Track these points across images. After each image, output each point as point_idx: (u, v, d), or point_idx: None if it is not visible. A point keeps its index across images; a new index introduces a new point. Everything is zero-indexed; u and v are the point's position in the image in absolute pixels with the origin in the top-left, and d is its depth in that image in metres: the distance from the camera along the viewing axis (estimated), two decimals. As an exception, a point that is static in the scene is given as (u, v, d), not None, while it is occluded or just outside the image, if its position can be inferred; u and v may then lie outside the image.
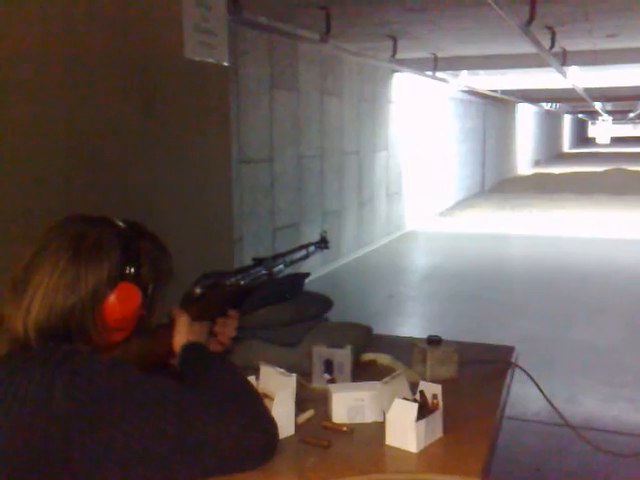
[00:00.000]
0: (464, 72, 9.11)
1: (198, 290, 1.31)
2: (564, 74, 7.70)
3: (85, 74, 2.29)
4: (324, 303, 1.72)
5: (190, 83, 2.82)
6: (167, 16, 2.66)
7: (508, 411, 1.50)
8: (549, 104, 18.22)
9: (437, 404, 1.23)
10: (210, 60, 2.89)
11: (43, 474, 1.00)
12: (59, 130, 2.20)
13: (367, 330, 1.76)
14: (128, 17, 2.48)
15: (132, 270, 1.13)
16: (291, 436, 1.23)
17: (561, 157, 26.13)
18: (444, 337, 1.59)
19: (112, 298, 1.12)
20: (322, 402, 1.35)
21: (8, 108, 2.02)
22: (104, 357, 1.10)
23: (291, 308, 1.62)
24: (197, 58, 2.79)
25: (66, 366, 1.02)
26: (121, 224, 1.18)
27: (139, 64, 2.54)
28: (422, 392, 1.25)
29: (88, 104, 2.31)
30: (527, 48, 5.82)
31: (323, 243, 1.72)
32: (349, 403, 1.31)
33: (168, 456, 1.02)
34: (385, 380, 1.31)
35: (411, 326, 5.21)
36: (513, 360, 1.66)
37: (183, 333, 1.24)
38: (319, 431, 1.26)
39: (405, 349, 1.62)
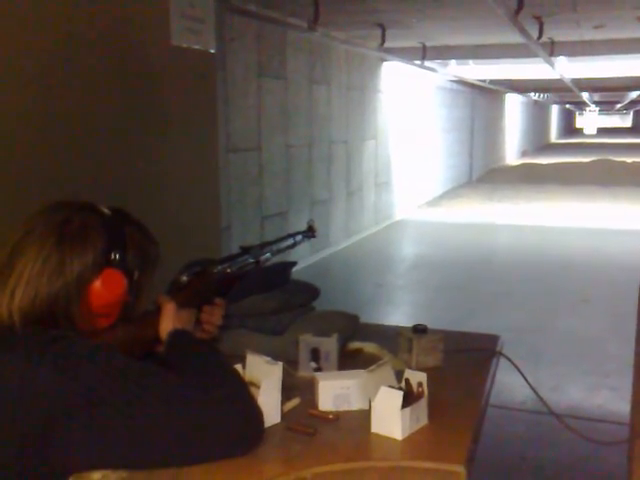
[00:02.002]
0: (453, 61, 9.10)
1: (184, 278, 1.31)
2: (552, 64, 7.72)
3: (68, 62, 2.26)
4: (311, 292, 1.72)
5: (177, 70, 2.80)
6: (154, 2, 2.63)
7: (494, 400, 1.51)
8: (537, 94, 18.27)
9: (422, 392, 1.24)
10: (197, 47, 2.87)
11: (26, 455, 1.00)
12: (41, 119, 2.18)
13: (354, 319, 1.76)
14: (114, 2, 2.45)
15: (117, 256, 1.13)
16: (277, 424, 1.23)
17: (548, 147, 26.24)
18: (431, 326, 1.60)
19: (97, 284, 1.11)
20: (308, 390, 1.35)
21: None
22: (91, 341, 1.09)
23: (278, 296, 1.62)
24: (184, 44, 2.77)
25: (52, 348, 1.02)
26: (106, 210, 1.17)
27: (124, 50, 2.51)
28: (407, 380, 1.25)
29: (71, 92, 2.28)
30: (515, 38, 5.83)
31: (310, 232, 1.72)
32: (335, 391, 1.31)
33: (151, 441, 1.02)
34: (371, 368, 1.31)
35: (398, 315, 5.23)
36: (498, 349, 1.67)
37: (169, 320, 1.23)
38: (305, 419, 1.26)
39: (391, 338, 1.62)
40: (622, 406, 3.30)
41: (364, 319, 1.81)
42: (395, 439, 1.19)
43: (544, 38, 6.06)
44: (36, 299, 1.07)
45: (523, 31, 5.26)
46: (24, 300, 1.07)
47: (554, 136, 32.47)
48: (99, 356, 1.04)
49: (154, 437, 1.02)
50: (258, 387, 1.21)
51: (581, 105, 27.87)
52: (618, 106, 26.22)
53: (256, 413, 1.11)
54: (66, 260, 1.09)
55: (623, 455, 2.03)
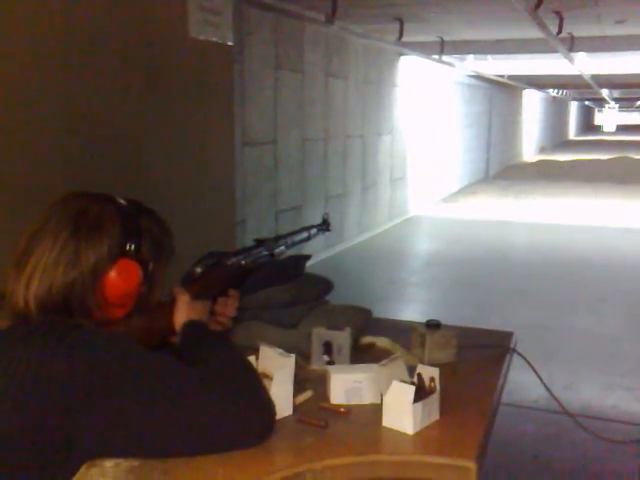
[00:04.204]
0: (471, 56, 9.04)
1: (199, 269, 1.32)
2: (571, 60, 7.64)
3: (87, 53, 2.28)
4: (325, 285, 1.72)
5: (194, 62, 2.80)
6: (172, -6, 2.64)
7: (506, 398, 1.50)
8: (556, 90, 18.10)
9: (434, 387, 1.24)
10: (214, 39, 2.88)
11: (44, 446, 1.01)
12: (60, 109, 2.20)
13: (367, 313, 1.76)
14: (132, -6, 2.46)
15: (132, 247, 1.14)
16: (289, 416, 1.24)
17: (567, 144, 26.00)
18: (444, 322, 1.59)
19: (112, 274, 1.12)
20: (320, 383, 1.36)
21: (7, 86, 2.01)
22: (106, 330, 1.10)
23: (291, 289, 1.62)
24: (201, 37, 2.78)
25: (67, 338, 1.03)
26: (122, 201, 1.18)
27: (142, 43, 2.52)
28: (420, 375, 1.25)
29: (89, 83, 2.30)
30: (535, 33, 5.77)
31: (325, 225, 1.72)
32: (347, 385, 1.31)
33: (163, 431, 1.03)
34: (383, 363, 1.31)
35: (412, 311, 5.22)
36: (512, 346, 1.67)
37: (184, 311, 1.24)
38: (317, 412, 1.27)
39: (404, 333, 1.62)
40: (636, 406, 3.28)
41: (377, 315, 1.81)
42: (406, 433, 1.19)
43: (564, 33, 6.00)
44: (52, 288, 1.08)
45: (542, 26, 5.21)
46: (40, 289, 1.08)
47: (572, 133, 32.15)
48: (115, 346, 1.05)
49: (167, 427, 1.03)
50: (270, 379, 1.22)
51: (600, 102, 27.57)
52: (638, 103, 25.92)
53: (268, 405, 1.11)
54: (82, 250, 1.10)
55: (636, 455, 2.02)
